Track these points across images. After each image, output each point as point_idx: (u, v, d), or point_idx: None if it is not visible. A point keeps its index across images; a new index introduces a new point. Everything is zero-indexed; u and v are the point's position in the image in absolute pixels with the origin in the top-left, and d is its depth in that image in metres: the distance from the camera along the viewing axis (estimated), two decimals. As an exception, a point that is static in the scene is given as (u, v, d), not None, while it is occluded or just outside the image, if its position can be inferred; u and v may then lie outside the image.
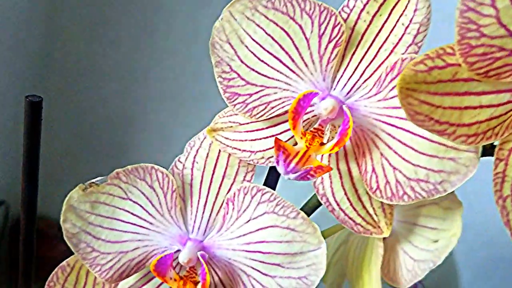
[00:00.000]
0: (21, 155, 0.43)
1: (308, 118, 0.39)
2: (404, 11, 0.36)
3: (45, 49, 1.10)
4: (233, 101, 0.39)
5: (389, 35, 0.37)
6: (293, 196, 0.39)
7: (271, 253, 0.38)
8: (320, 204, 0.41)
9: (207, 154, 0.41)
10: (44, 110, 0.42)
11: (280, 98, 0.39)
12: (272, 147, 0.38)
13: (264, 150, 0.40)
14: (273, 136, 0.39)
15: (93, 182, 0.40)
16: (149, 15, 1.11)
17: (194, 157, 0.41)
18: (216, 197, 0.41)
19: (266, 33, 0.38)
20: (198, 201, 0.41)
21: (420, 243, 0.42)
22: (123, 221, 0.40)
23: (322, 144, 0.37)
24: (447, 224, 0.41)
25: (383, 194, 0.37)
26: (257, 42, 0.38)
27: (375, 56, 0.37)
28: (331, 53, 0.37)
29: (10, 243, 1.04)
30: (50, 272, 0.42)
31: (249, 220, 0.38)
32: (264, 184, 0.42)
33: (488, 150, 0.35)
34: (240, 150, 0.40)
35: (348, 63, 0.38)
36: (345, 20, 0.37)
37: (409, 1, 0.36)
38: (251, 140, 0.40)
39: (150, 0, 1.10)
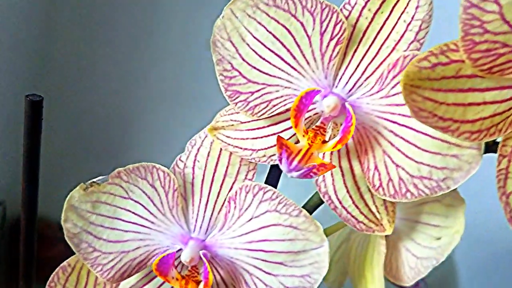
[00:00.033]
0: (21, 155, 0.43)
1: (310, 116, 0.39)
2: (405, 8, 0.36)
3: (45, 49, 1.10)
4: (235, 99, 0.39)
5: (390, 32, 0.37)
6: (294, 194, 0.39)
7: (274, 251, 0.38)
8: (322, 202, 0.41)
9: (209, 152, 0.41)
10: (44, 110, 0.42)
11: (282, 96, 0.39)
12: (274, 145, 0.38)
13: (265, 149, 0.40)
14: (274, 134, 0.39)
15: (94, 182, 0.39)
16: (149, 15, 1.11)
17: (196, 156, 0.41)
18: (217, 196, 0.41)
19: (268, 30, 0.38)
20: (200, 200, 0.41)
21: (423, 241, 0.42)
22: (124, 221, 0.40)
23: (324, 142, 0.37)
24: (449, 221, 0.41)
25: (385, 192, 0.37)
26: (258, 40, 0.38)
27: (377, 53, 0.37)
28: (333, 50, 0.37)
29: (10, 243, 1.04)
30: (50, 273, 0.42)
31: (251, 219, 0.38)
32: (265, 183, 0.42)
33: (490, 147, 0.35)
34: (241, 148, 0.40)
35: (350, 60, 0.38)
36: (346, 18, 0.37)
37: None
38: (253, 138, 0.40)
39: (150, 0, 1.10)
